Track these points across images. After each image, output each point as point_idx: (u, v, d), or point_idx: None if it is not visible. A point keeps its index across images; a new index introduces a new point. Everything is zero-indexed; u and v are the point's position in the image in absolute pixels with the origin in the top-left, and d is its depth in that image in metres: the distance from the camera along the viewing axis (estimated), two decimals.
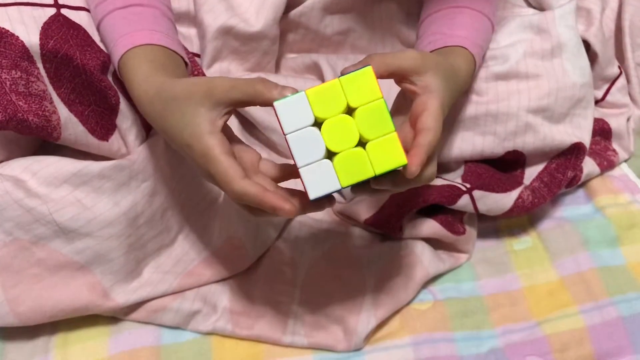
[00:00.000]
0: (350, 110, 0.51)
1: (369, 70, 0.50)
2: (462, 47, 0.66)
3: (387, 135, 0.50)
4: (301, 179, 0.50)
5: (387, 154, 0.50)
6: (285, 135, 0.50)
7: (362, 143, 0.51)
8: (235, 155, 0.54)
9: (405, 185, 0.54)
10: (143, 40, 0.60)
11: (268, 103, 0.51)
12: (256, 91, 0.51)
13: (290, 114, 0.50)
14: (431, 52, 0.67)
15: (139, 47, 0.60)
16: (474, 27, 0.70)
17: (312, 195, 0.50)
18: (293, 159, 0.50)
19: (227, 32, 0.75)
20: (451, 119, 0.75)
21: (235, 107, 0.53)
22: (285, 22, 0.78)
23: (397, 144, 0.50)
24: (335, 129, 0.50)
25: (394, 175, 0.53)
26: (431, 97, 0.54)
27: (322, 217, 0.79)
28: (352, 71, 0.51)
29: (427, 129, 0.52)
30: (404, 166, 0.51)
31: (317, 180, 0.50)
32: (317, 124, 0.50)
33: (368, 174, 0.50)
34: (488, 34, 0.73)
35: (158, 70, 0.58)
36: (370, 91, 0.50)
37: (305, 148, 0.50)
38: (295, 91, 0.51)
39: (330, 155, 0.51)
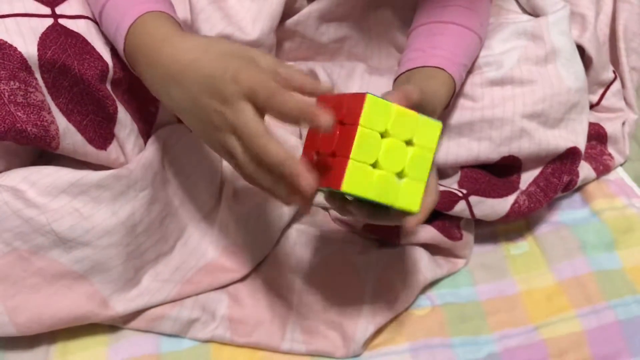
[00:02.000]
0: (409, 144, 0.55)
1: (439, 125, 0.56)
2: (440, 68, 0.67)
3: (420, 182, 0.56)
4: (341, 167, 0.52)
5: (410, 196, 0.55)
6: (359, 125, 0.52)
7: (398, 174, 0.55)
8: None
9: (394, 222, 0.59)
10: (153, 8, 0.61)
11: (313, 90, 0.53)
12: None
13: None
14: (410, 70, 0.69)
15: (149, 13, 0.60)
16: (456, 45, 0.71)
17: (344, 188, 0.52)
18: (348, 147, 0.52)
19: None
20: (445, 126, 0.75)
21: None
22: (282, 31, 0.78)
23: (422, 192, 0.56)
24: (393, 151, 0.54)
25: (389, 211, 0.57)
26: None
27: (320, 223, 0.79)
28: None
29: (430, 193, 0.58)
30: (411, 213, 0.56)
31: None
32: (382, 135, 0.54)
33: (390, 201, 0.54)
34: (472, 49, 0.74)
35: (178, 28, 0.60)
36: (431, 140, 0.56)
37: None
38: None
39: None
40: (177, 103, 0.57)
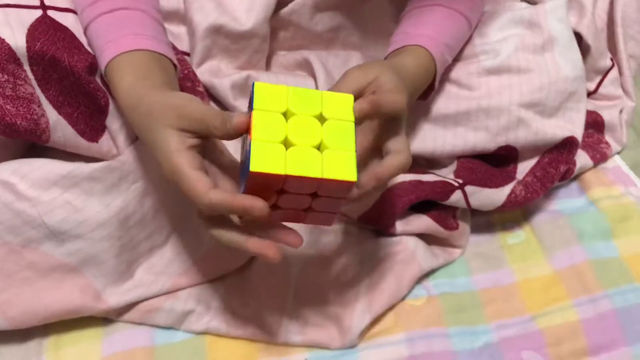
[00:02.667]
0: (321, 120, 0.53)
1: (350, 97, 0.53)
2: (419, 45, 0.67)
3: (347, 152, 0.52)
4: (248, 151, 0.50)
5: (340, 166, 0.51)
6: (251, 110, 0.51)
7: (317, 147, 0.52)
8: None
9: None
10: (128, 46, 0.60)
11: (223, 136, 0.52)
12: (209, 126, 0.52)
13: (266, 96, 0.51)
14: (389, 53, 0.69)
15: (124, 54, 0.59)
16: (439, 25, 0.70)
17: (253, 167, 0.49)
18: (249, 131, 0.51)
19: (217, 31, 0.74)
20: (441, 115, 0.75)
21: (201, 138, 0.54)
22: (276, 20, 0.77)
23: (353, 161, 0.52)
24: (302, 126, 0.51)
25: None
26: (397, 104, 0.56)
27: None
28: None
29: (399, 152, 0.57)
30: (349, 183, 0.52)
31: (265, 158, 0.50)
32: (285, 115, 0.52)
33: (315, 173, 0.50)
34: (459, 32, 0.73)
35: (140, 80, 0.58)
36: (346, 112, 0.53)
37: (266, 128, 0.50)
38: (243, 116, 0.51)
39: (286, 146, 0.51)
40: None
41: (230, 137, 0.52)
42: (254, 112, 0.51)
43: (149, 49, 0.61)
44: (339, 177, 0.50)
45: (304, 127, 0.52)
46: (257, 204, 0.50)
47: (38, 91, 0.61)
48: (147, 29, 0.63)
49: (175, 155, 0.52)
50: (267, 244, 0.53)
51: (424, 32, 0.69)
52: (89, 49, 0.64)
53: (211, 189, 0.51)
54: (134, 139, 0.68)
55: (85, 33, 0.64)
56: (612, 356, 0.70)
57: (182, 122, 0.52)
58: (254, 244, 0.53)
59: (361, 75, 0.58)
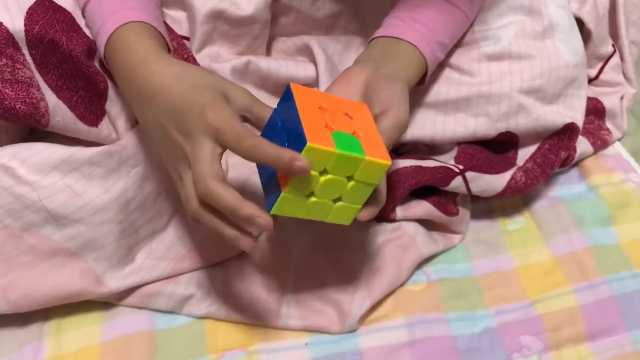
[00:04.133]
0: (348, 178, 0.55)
1: (387, 165, 0.55)
2: (414, 46, 0.67)
3: (356, 205, 0.58)
4: (301, 128, 0.52)
5: (343, 215, 0.58)
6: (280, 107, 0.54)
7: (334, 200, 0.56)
8: None
9: None
10: (136, 17, 0.60)
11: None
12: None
13: (313, 157, 0.52)
14: (386, 37, 0.68)
15: (135, 22, 0.60)
16: (437, 21, 0.70)
17: (310, 141, 0.51)
18: (285, 180, 0.53)
19: (217, 16, 0.74)
20: (441, 101, 0.75)
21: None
22: (277, 6, 0.77)
23: (356, 213, 0.59)
24: (330, 184, 0.54)
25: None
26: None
27: None
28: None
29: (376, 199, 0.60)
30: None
31: (286, 206, 0.54)
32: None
33: (320, 218, 0.57)
34: (456, 27, 0.73)
35: (163, 47, 0.60)
36: (374, 177, 0.56)
37: (300, 184, 0.53)
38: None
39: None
40: (147, 123, 0.58)
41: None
42: (298, 104, 0.53)
43: (152, 25, 0.61)
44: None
45: (331, 186, 0.55)
46: (264, 215, 0.51)
47: (37, 75, 0.61)
48: (149, 14, 0.63)
49: (220, 109, 0.53)
50: (244, 237, 0.53)
51: (420, 28, 0.68)
52: (87, 31, 0.64)
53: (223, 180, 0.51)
54: (134, 123, 0.68)
55: (83, 11, 0.64)
56: (611, 341, 0.70)
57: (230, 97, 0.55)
58: (231, 233, 0.53)
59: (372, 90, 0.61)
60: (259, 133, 0.58)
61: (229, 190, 0.51)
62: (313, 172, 0.53)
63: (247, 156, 0.51)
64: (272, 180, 0.55)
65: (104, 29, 0.61)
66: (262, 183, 0.58)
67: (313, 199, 0.55)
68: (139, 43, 0.59)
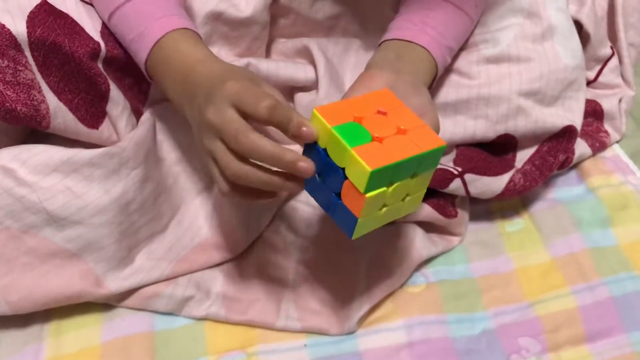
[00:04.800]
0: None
1: (442, 148, 0.54)
2: (427, 50, 0.67)
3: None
4: (356, 158, 0.50)
5: (411, 206, 0.58)
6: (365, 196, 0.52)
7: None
8: None
9: None
10: (182, 24, 0.62)
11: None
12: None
13: (377, 179, 0.51)
14: (399, 40, 0.68)
15: (182, 29, 0.62)
16: (447, 26, 0.70)
17: (371, 167, 0.50)
18: (336, 143, 0.52)
19: (216, 18, 0.74)
20: (440, 104, 0.75)
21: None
22: (276, 7, 0.77)
23: (422, 197, 0.58)
24: (397, 191, 0.54)
25: None
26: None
27: (314, 201, 0.79)
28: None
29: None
30: None
31: (362, 229, 0.54)
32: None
33: (393, 219, 0.57)
34: (463, 32, 0.73)
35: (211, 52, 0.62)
36: (433, 162, 0.55)
37: (371, 207, 0.53)
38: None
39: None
40: (192, 118, 0.59)
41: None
42: (366, 199, 0.51)
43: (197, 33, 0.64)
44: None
45: (398, 191, 0.54)
46: (305, 159, 0.51)
47: (38, 77, 0.61)
48: (188, 21, 0.65)
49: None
50: (299, 156, 0.53)
51: (431, 32, 0.68)
52: (90, 34, 0.64)
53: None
54: (135, 125, 0.68)
55: (111, 16, 0.65)
56: (609, 343, 0.71)
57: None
58: (289, 154, 0.52)
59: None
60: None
61: (268, 140, 0.51)
62: (380, 190, 0.52)
63: (265, 117, 0.52)
64: (338, 206, 0.54)
65: (148, 34, 0.62)
66: (321, 205, 0.57)
67: (385, 209, 0.54)
68: (195, 47, 0.61)
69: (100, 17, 0.67)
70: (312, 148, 0.54)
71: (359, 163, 0.50)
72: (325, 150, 0.53)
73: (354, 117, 0.54)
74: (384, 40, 0.69)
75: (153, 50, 0.62)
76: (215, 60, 0.60)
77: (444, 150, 0.54)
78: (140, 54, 0.63)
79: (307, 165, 0.51)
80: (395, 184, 0.53)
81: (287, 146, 0.54)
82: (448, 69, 0.76)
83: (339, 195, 0.54)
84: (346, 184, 0.52)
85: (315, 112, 0.53)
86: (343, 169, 0.52)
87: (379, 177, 0.51)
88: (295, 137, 0.52)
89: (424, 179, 0.56)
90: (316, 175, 0.55)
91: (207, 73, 0.58)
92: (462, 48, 0.77)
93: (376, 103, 0.56)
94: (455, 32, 0.71)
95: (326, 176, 0.54)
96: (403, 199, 0.56)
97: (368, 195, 0.51)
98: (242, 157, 0.53)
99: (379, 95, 0.57)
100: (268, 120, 0.52)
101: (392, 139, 0.53)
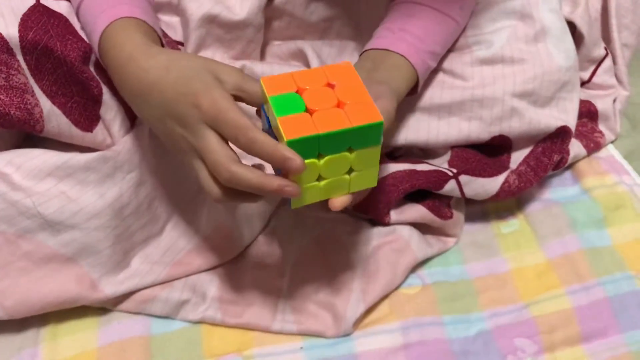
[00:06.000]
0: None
1: (380, 124, 0.53)
2: (405, 57, 0.67)
3: (372, 168, 0.56)
4: (279, 127, 0.51)
5: (364, 180, 0.56)
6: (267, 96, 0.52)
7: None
8: None
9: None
10: (127, 13, 0.60)
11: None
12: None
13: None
14: (376, 49, 0.68)
15: (125, 18, 0.60)
16: (427, 30, 0.70)
17: (287, 136, 0.50)
18: (271, 112, 0.52)
19: (211, 21, 0.74)
20: (435, 105, 0.75)
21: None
22: (270, 10, 0.77)
23: (376, 173, 0.57)
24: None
25: None
26: None
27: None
28: None
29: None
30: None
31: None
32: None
33: (343, 192, 0.56)
34: (446, 36, 0.73)
35: (154, 40, 0.60)
36: (374, 139, 0.54)
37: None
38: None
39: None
40: (146, 119, 0.58)
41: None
42: (270, 98, 0.52)
43: (144, 21, 0.61)
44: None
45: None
46: (297, 159, 0.50)
47: (31, 81, 0.61)
48: (140, 2, 0.63)
49: (219, 90, 0.52)
50: (286, 181, 0.52)
51: (409, 39, 0.68)
52: (83, 35, 0.64)
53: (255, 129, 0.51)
54: (129, 128, 0.68)
55: (77, 12, 0.64)
56: (605, 343, 0.71)
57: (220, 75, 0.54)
58: (275, 181, 0.51)
59: None
60: (254, 109, 0.58)
61: (250, 170, 0.51)
62: (309, 161, 0.52)
63: (244, 149, 0.51)
64: (280, 175, 0.54)
65: (95, 28, 0.61)
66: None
67: (324, 181, 0.54)
68: (128, 39, 0.58)
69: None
70: (263, 111, 0.56)
71: (280, 132, 0.50)
72: (268, 118, 0.54)
73: (296, 88, 0.54)
74: (364, 51, 0.70)
75: (99, 44, 0.60)
76: (145, 54, 0.57)
77: (382, 127, 0.53)
78: (95, 49, 0.62)
79: (293, 190, 0.51)
80: (327, 157, 0.53)
81: None
82: (442, 71, 0.76)
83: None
84: None
85: (261, 81, 0.53)
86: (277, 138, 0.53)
87: (302, 148, 0.51)
88: (281, 169, 0.51)
89: (369, 155, 0.55)
90: None
91: (145, 77, 0.55)
92: (456, 50, 0.77)
93: (330, 76, 0.55)
94: (438, 36, 0.71)
95: None
96: (348, 173, 0.55)
97: None
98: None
99: (337, 69, 0.56)
100: (248, 152, 0.51)
101: (325, 112, 0.52)
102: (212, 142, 0.51)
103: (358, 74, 0.55)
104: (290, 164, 0.49)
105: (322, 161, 0.53)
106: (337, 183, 0.55)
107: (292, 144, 0.50)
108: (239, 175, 0.50)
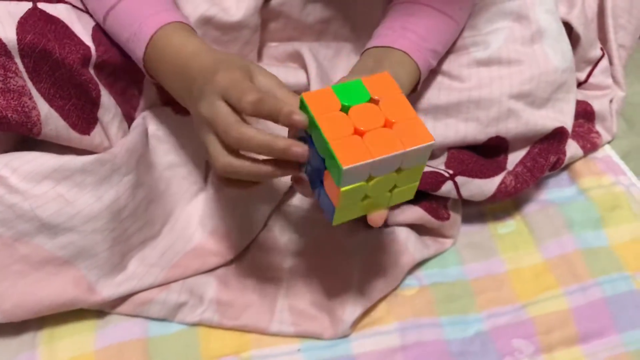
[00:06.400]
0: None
1: (430, 145, 0.52)
2: (407, 54, 0.67)
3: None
4: (331, 152, 0.50)
5: (403, 196, 0.56)
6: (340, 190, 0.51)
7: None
8: None
9: None
10: (174, 18, 0.63)
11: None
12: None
13: (353, 175, 0.51)
14: (378, 47, 0.68)
15: (178, 22, 0.62)
16: (428, 29, 0.70)
17: (344, 164, 0.49)
18: (322, 136, 0.51)
19: (207, 22, 0.74)
20: (430, 106, 0.75)
21: None
22: (266, 11, 0.77)
23: (415, 188, 0.57)
24: (380, 185, 0.53)
25: None
26: None
27: (307, 205, 0.79)
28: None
29: None
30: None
31: (344, 215, 0.53)
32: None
33: (382, 208, 0.56)
34: (447, 35, 0.73)
35: (204, 42, 0.62)
36: (422, 159, 0.54)
37: (350, 198, 0.52)
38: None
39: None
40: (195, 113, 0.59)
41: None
42: (340, 193, 0.51)
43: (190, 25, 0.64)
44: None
45: (382, 185, 0.53)
46: (298, 143, 0.51)
47: (29, 84, 0.61)
48: (180, 15, 0.66)
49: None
50: (292, 141, 0.52)
51: (411, 37, 0.68)
52: (82, 37, 0.64)
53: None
54: (126, 130, 0.68)
55: (106, 16, 0.65)
56: (602, 343, 0.71)
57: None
58: (282, 141, 0.52)
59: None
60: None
61: (259, 131, 0.52)
62: (359, 184, 0.52)
63: (250, 112, 0.52)
64: (321, 192, 0.54)
65: (142, 32, 0.62)
66: (312, 188, 0.57)
67: (368, 200, 0.54)
68: (188, 40, 0.61)
69: (96, 20, 0.68)
70: (301, 133, 0.55)
71: (334, 158, 0.50)
72: (310, 136, 0.53)
73: (340, 106, 0.53)
74: (366, 49, 0.70)
75: (148, 48, 0.62)
76: (207, 51, 0.60)
77: (432, 147, 0.53)
78: (137, 53, 0.63)
79: (300, 149, 0.51)
80: (376, 179, 0.52)
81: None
82: (439, 72, 0.76)
83: (322, 184, 0.54)
84: (326, 173, 0.52)
85: (303, 98, 0.52)
86: (324, 161, 0.52)
87: (355, 174, 0.50)
88: (288, 126, 0.52)
89: (413, 173, 0.55)
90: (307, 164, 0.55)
91: (199, 67, 0.58)
92: (453, 51, 0.77)
93: (372, 89, 0.54)
94: (439, 35, 0.71)
95: (312, 161, 0.54)
96: (391, 190, 0.55)
97: (343, 189, 0.51)
98: (234, 150, 0.53)
99: (376, 80, 0.55)
100: (254, 114, 0.52)
101: (375, 133, 0.51)
102: (222, 109, 0.53)
103: (397, 85, 0.55)
104: (294, 118, 0.50)
105: (371, 183, 0.52)
106: (379, 200, 0.55)
107: (348, 172, 0.49)
108: (248, 134, 0.51)
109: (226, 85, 0.53)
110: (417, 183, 0.56)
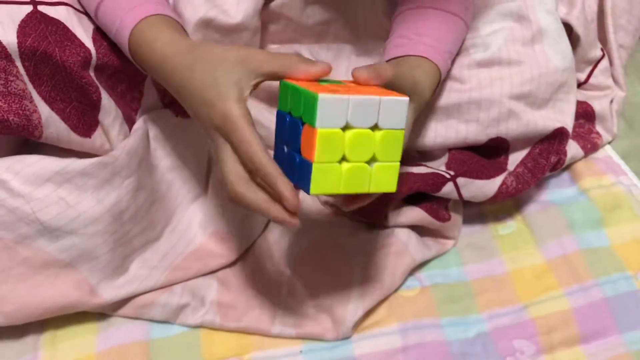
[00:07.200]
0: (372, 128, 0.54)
1: (405, 101, 0.53)
2: (426, 58, 0.67)
3: (393, 162, 0.55)
4: (307, 92, 0.51)
5: (384, 178, 0.55)
6: (316, 128, 0.51)
7: (369, 161, 0.54)
8: None
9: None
10: (154, 11, 0.62)
11: (302, 76, 0.54)
12: (293, 64, 0.54)
13: (328, 110, 0.51)
14: (395, 58, 0.68)
15: (153, 16, 0.62)
16: (442, 32, 0.70)
17: (313, 191, 0.52)
18: (311, 150, 0.51)
19: (207, 25, 0.74)
20: (432, 108, 0.75)
21: (267, 79, 0.55)
22: (266, 13, 0.77)
23: (397, 172, 0.55)
24: (359, 139, 0.53)
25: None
26: None
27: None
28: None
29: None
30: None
31: (323, 180, 0.52)
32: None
33: (363, 189, 0.54)
34: (458, 35, 0.74)
35: (182, 34, 0.61)
36: (399, 118, 0.54)
37: (327, 147, 0.52)
38: (326, 66, 0.55)
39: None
40: (186, 107, 0.59)
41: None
42: (317, 132, 0.51)
43: (169, 15, 0.63)
44: (381, 190, 0.55)
45: (360, 142, 0.53)
46: (293, 199, 0.51)
47: (30, 87, 0.61)
48: (162, 4, 0.65)
49: (232, 104, 0.53)
50: (287, 214, 0.53)
51: (427, 41, 0.69)
52: (82, 39, 0.64)
53: (265, 151, 0.52)
54: (127, 133, 0.68)
55: (96, 12, 0.65)
56: (604, 344, 0.71)
57: (247, 64, 0.55)
58: (277, 211, 0.53)
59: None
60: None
61: (255, 193, 0.53)
62: (335, 130, 0.51)
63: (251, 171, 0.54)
64: (298, 162, 0.54)
65: (123, 27, 0.62)
66: (288, 177, 0.55)
67: (347, 165, 0.53)
68: (157, 37, 0.60)
69: (91, 17, 0.68)
70: (279, 117, 0.56)
71: (310, 94, 0.50)
72: (289, 113, 0.54)
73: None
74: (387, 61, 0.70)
75: (130, 45, 0.62)
76: (175, 53, 0.59)
77: (406, 105, 0.53)
78: (124, 48, 0.63)
79: (292, 222, 0.52)
80: (354, 131, 0.52)
81: None
82: None
83: (299, 152, 0.53)
84: (303, 129, 0.52)
85: (281, 80, 0.54)
86: (301, 119, 0.52)
87: (331, 111, 0.50)
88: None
89: (392, 142, 0.54)
90: (284, 146, 0.55)
91: (179, 78, 0.58)
92: None
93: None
94: (452, 36, 0.72)
95: (290, 138, 0.54)
96: (369, 162, 0.54)
97: (320, 130, 0.50)
98: (251, 175, 0.54)
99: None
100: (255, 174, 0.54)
101: (351, 88, 0.53)
102: (225, 155, 0.54)
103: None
104: (285, 203, 0.51)
105: (348, 135, 0.52)
106: (358, 174, 0.54)
107: (324, 103, 0.50)
108: (243, 197, 0.53)
109: (226, 133, 0.54)
110: (397, 167, 0.55)
